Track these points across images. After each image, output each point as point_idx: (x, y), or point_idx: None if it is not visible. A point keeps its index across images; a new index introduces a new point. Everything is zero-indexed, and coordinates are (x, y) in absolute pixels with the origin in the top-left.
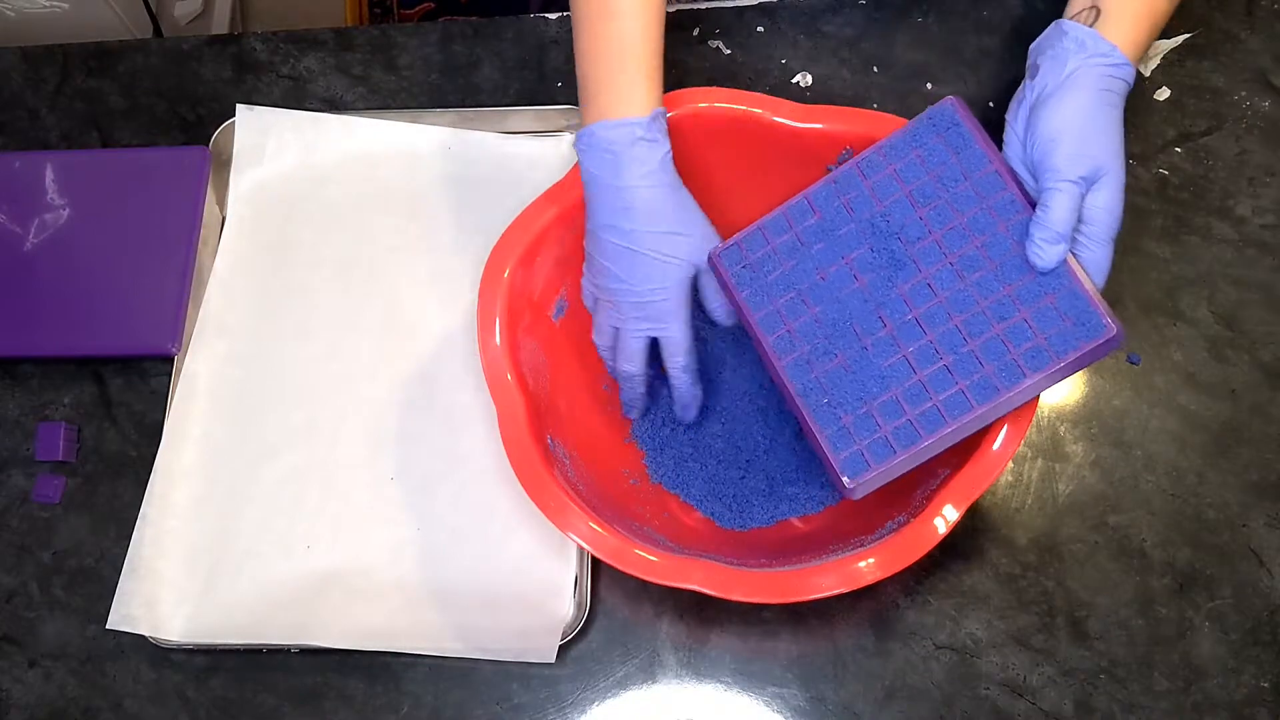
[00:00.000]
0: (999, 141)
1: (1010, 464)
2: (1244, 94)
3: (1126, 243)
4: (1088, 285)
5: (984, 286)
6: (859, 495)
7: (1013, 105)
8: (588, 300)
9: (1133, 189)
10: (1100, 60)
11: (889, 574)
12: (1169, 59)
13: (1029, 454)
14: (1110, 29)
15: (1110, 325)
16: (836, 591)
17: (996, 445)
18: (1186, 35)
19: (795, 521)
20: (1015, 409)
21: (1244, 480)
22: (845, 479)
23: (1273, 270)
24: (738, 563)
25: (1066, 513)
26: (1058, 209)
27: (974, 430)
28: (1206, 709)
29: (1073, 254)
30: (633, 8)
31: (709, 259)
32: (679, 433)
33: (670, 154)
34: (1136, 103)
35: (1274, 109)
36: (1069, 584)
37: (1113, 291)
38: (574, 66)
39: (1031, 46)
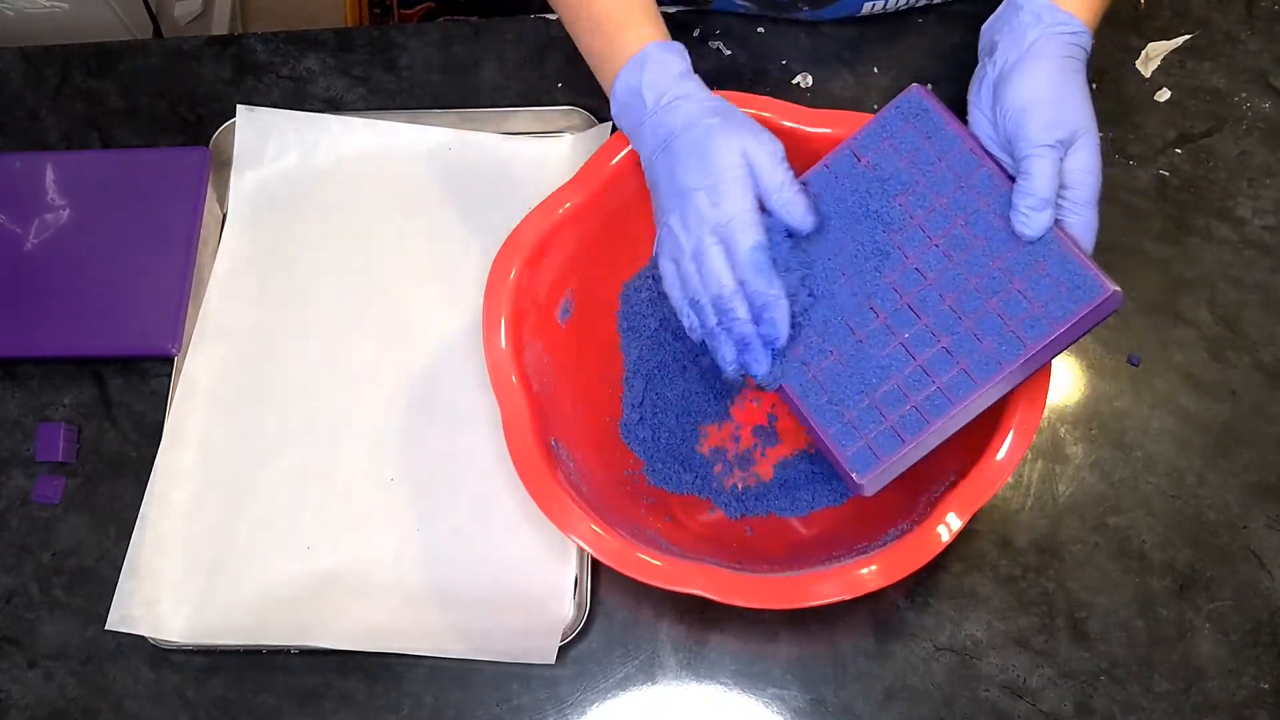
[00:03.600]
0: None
1: None
2: (1244, 95)
3: (1126, 243)
4: (1077, 249)
5: (973, 264)
6: (871, 491)
7: (973, 86)
8: (663, 257)
9: (1132, 190)
10: (1060, 29)
11: (891, 581)
12: (1169, 60)
13: (1029, 455)
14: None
15: (1106, 285)
16: (839, 598)
17: (1001, 454)
18: (1186, 36)
19: (798, 527)
20: (1021, 417)
21: (1244, 481)
22: (855, 475)
23: (1273, 271)
24: (739, 568)
25: (1066, 514)
26: (1039, 175)
27: (983, 408)
28: (1206, 710)
29: (1058, 220)
30: None
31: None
32: (672, 438)
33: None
34: (1137, 103)
35: (1274, 110)
36: (1069, 585)
37: None
38: (574, 65)
39: (984, 26)
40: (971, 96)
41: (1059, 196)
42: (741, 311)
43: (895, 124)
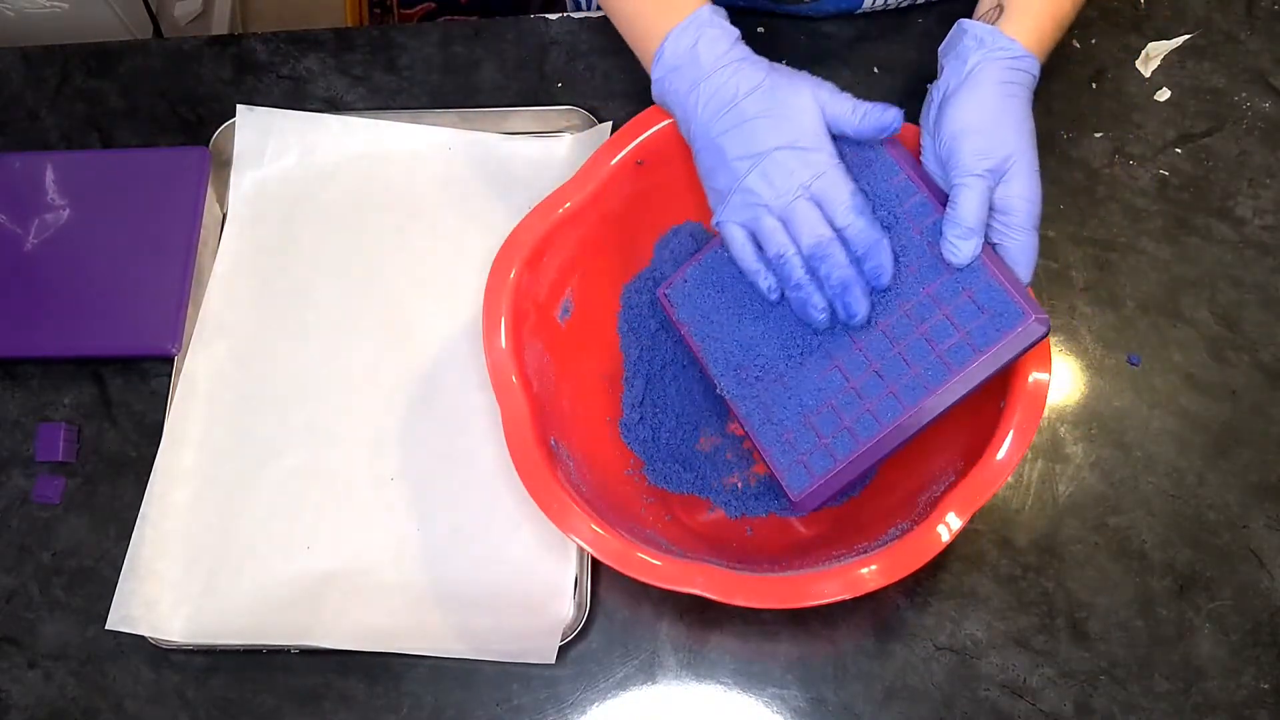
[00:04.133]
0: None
1: None
2: (1244, 95)
3: (1126, 243)
4: (1004, 276)
5: (905, 291)
6: (809, 508)
7: (924, 109)
8: (733, 222)
9: (1132, 189)
10: (1001, 54)
11: (891, 581)
12: (1169, 60)
13: (1029, 455)
14: (1012, 25)
15: (1027, 312)
16: (839, 598)
17: (1001, 454)
18: (1186, 36)
19: (798, 527)
20: (1021, 417)
21: (1244, 481)
22: (792, 492)
23: (1273, 271)
24: (740, 567)
25: (1067, 514)
26: (965, 204)
27: (914, 429)
28: (1206, 710)
29: (993, 246)
30: None
31: (658, 296)
32: (672, 437)
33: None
34: (1137, 103)
35: (1274, 110)
36: (1069, 585)
37: (1112, 292)
38: (574, 65)
39: (939, 49)
40: (921, 119)
41: (996, 222)
42: (841, 257)
43: (839, 150)
